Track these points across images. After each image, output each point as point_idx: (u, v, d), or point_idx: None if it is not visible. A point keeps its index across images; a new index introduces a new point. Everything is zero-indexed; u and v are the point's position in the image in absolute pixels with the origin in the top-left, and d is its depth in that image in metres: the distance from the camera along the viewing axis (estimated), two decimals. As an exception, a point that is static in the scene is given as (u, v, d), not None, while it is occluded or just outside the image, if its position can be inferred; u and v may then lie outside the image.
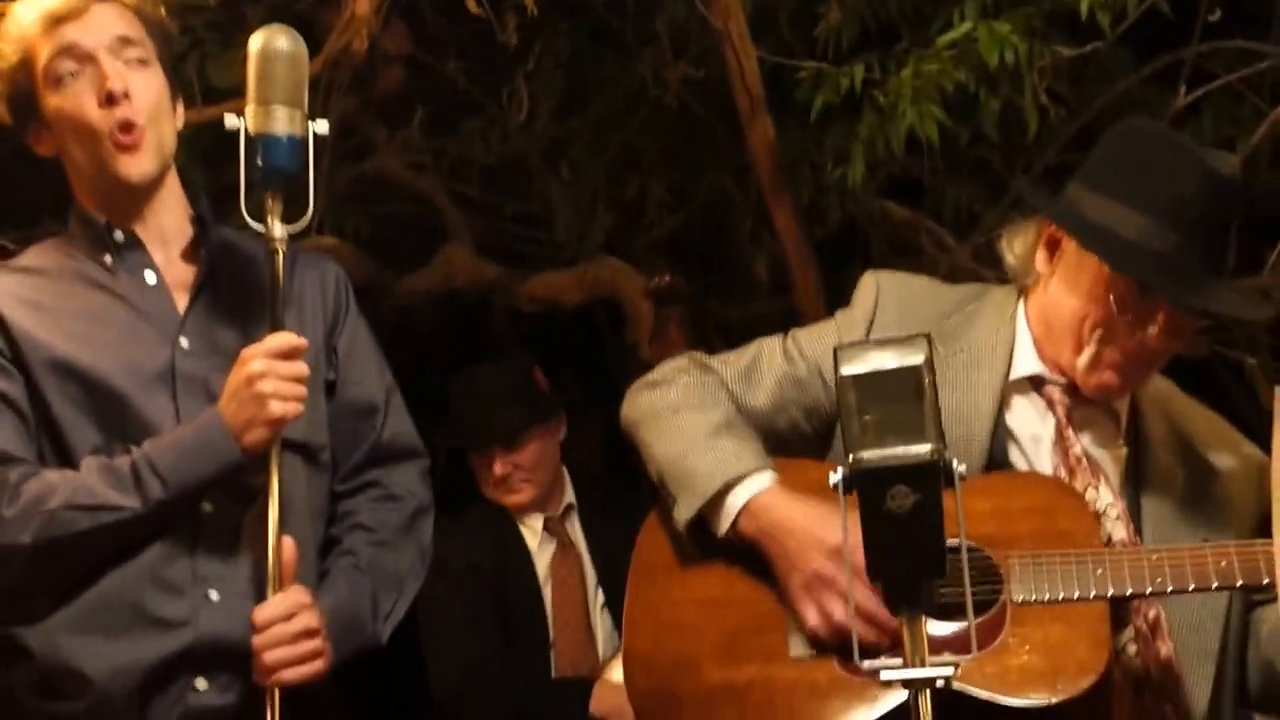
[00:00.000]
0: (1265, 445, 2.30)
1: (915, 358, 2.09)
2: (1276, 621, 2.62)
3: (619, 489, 4.23)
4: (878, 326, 2.81)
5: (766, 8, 4.32)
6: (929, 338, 2.12)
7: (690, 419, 2.78)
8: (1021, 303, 2.82)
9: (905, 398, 2.08)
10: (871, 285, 2.88)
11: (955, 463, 2.10)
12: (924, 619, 2.14)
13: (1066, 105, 4.10)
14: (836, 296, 4.54)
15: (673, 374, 2.89)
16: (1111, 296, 2.65)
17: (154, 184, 2.63)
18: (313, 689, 2.52)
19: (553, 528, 4.15)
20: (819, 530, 2.60)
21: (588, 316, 4.80)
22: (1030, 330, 2.79)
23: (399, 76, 4.49)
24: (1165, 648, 2.66)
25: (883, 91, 3.94)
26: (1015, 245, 2.81)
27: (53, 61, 2.57)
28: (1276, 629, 2.64)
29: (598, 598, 4.11)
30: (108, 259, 2.64)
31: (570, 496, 4.21)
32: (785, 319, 4.60)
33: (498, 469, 4.09)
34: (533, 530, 4.14)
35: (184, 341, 2.61)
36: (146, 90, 2.59)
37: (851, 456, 2.09)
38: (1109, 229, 2.64)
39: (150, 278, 2.65)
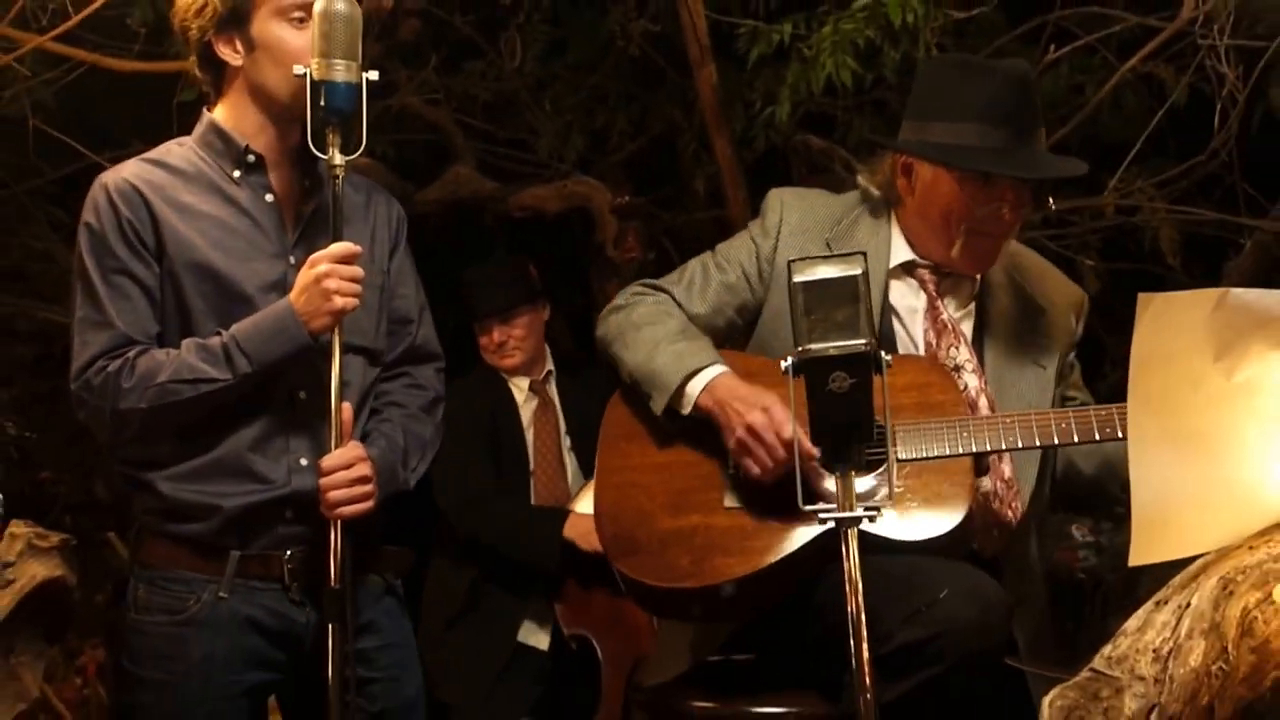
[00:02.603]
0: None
1: (854, 270, 2.13)
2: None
3: (584, 361, 4.29)
4: (784, 233, 2.84)
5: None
6: (865, 255, 2.15)
7: (650, 332, 2.80)
8: (892, 210, 2.85)
9: (845, 301, 2.12)
10: (776, 201, 2.90)
11: (883, 354, 2.14)
12: (852, 474, 2.19)
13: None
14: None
15: (632, 298, 2.90)
16: (966, 194, 2.69)
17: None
18: (362, 519, 2.59)
19: (536, 388, 4.23)
20: (754, 397, 2.64)
21: (565, 222, 4.80)
22: (903, 232, 2.83)
23: (416, 27, 4.44)
24: (1008, 468, 2.73)
25: (806, 45, 3.92)
26: (875, 182, 2.85)
27: (293, 5, 2.57)
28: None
29: (566, 442, 4.21)
30: (235, 174, 2.63)
31: (550, 365, 4.29)
32: (718, 226, 4.64)
33: (495, 336, 4.18)
34: (520, 389, 4.23)
35: (293, 258, 2.62)
36: None
37: (800, 348, 2.14)
38: (948, 143, 2.68)
39: (269, 197, 2.64)
